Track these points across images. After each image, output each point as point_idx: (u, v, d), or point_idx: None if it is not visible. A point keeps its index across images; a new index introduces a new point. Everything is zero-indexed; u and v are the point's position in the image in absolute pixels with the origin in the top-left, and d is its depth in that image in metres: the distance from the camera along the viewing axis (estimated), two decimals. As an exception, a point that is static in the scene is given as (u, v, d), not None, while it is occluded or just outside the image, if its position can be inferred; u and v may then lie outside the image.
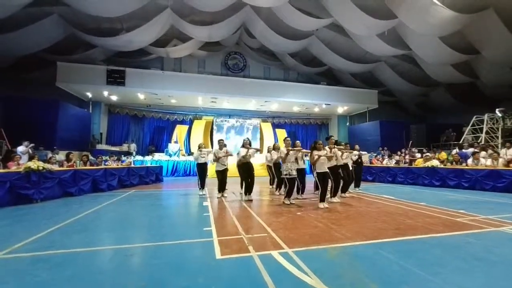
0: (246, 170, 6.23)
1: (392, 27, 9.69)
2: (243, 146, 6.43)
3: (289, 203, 5.52)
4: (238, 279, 2.18)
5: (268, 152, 7.78)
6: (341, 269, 2.37)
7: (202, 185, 6.98)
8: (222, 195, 6.51)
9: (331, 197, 5.85)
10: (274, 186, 7.59)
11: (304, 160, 6.65)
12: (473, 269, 2.33)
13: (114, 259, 2.62)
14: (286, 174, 5.57)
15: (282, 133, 16.67)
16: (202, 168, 7.06)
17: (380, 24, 9.44)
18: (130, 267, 2.44)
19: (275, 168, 7.16)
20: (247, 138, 6.79)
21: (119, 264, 2.48)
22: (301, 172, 6.31)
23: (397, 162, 11.37)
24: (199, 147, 7.26)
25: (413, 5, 8.29)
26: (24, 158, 7.29)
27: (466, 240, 3.14)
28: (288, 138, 6.20)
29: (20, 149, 7.90)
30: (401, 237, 3.23)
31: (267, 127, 16.82)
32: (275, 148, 7.22)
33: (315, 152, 5.34)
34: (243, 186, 6.34)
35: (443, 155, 10.27)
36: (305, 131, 18.19)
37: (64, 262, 2.49)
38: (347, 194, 6.72)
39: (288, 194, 5.61)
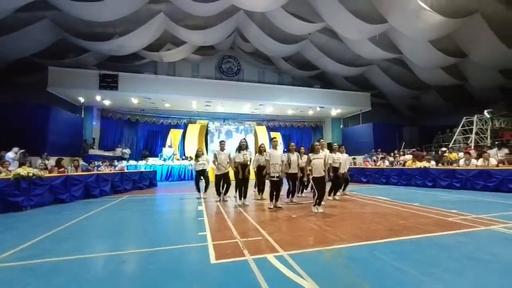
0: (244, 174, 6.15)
1: (383, 31, 9.88)
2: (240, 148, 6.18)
3: (272, 206, 5.47)
4: (233, 283, 2.16)
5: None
6: (336, 271, 2.38)
7: (205, 189, 7.01)
8: (224, 199, 6.49)
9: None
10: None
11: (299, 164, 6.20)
12: (465, 269, 2.36)
13: (107, 266, 2.57)
14: (272, 177, 5.48)
15: (276, 136, 16.69)
16: (200, 175, 7.08)
17: (372, 28, 9.61)
18: (124, 274, 2.40)
19: (259, 172, 6.21)
20: (244, 139, 6.51)
21: (113, 271, 2.44)
22: (294, 176, 6.04)
23: (391, 163, 11.50)
24: (197, 155, 7.16)
25: (403, 10, 8.47)
26: (14, 164, 7.14)
27: (458, 239, 3.19)
28: (275, 139, 6.15)
29: (10, 155, 7.73)
30: (395, 238, 3.27)
31: (261, 131, 16.85)
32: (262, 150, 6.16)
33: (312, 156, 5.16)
34: (238, 191, 6.21)
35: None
36: (300, 133, 18.33)
37: (55, 270, 2.43)
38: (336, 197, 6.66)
39: (271, 197, 5.52)
